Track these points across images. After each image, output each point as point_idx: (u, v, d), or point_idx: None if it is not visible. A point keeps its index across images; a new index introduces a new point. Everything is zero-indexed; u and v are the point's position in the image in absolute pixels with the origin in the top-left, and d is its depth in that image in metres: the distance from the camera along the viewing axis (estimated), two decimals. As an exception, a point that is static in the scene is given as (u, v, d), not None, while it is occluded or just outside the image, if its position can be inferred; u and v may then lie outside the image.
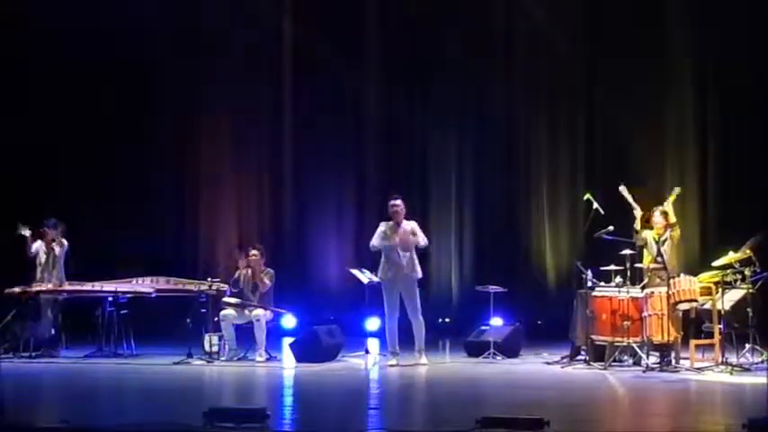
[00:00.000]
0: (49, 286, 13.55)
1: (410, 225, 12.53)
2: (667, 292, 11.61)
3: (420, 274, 12.56)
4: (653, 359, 11.71)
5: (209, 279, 13.51)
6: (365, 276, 13.36)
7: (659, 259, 11.88)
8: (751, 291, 11.68)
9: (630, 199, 12.25)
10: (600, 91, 16.23)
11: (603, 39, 16.06)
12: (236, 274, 13.33)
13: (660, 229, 12.17)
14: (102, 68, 16.32)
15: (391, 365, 12.33)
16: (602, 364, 11.79)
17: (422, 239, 12.46)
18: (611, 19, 15.95)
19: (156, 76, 16.69)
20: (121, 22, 16.08)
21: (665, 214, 12.18)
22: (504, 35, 16.68)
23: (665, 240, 12.08)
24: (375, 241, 12.48)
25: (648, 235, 12.18)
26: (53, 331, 13.50)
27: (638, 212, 12.23)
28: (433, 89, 16.82)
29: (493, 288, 13.28)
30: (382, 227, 12.53)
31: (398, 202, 12.50)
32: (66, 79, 16.27)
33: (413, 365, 12.29)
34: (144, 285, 13.49)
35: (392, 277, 12.41)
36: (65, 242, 13.71)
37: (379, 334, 14.70)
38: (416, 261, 12.48)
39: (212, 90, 16.92)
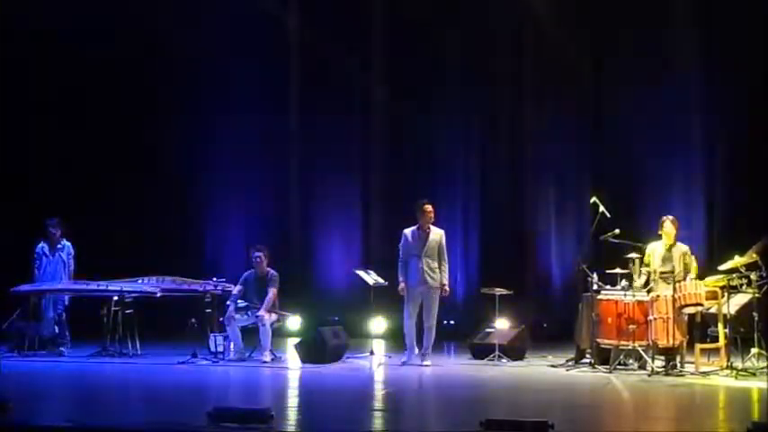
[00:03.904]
0: (55, 285, 13.57)
1: (439, 233, 12.63)
2: (673, 296, 11.61)
3: (442, 282, 12.56)
4: (658, 363, 11.68)
5: (215, 279, 13.51)
6: (371, 278, 13.37)
7: (667, 266, 11.97)
8: (757, 295, 11.64)
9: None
10: (606, 91, 16.21)
11: (609, 38, 16.04)
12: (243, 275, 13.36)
13: (670, 237, 12.19)
14: (103, 68, 16.33)
15: (403, 363, 12.53)
16: (608, 367, 11.78)
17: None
18: (618, 17, 15.91)
19: (158, 76, 16.69)
20: (123, 20, 16.11)
21: (675, 224, 12.23)
22: (511, 35, 16.66)
23: (679, 256, 12.12)
24: (402, 252, 12.63)
25: (656, 246, 12.22)
26: (56, 330, 13.52)
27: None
28: (439, 90, 16.81)
29: (498, 290, 13.26)
30: (407, 233, 12.62)
31: (431, 206, 12.67)
32: (65, 79, 16.29)
33: (417, 366, 12.34)
34: (149, 285, 13.48)
35: (415, 284, 12.48)
36: (68, 244, 13.75)
37: (385, 335, 14.74)
38: (441, 268, 12.52)
39: (217, 90, 16.90)
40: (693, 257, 12.22)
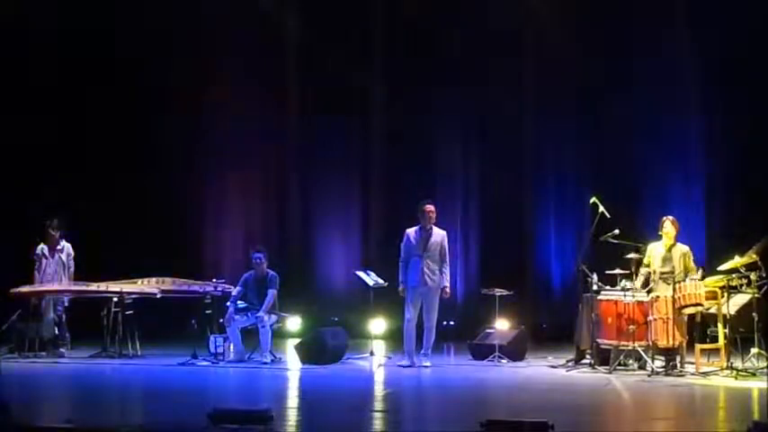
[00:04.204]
0: (55, 286, 13.57)
1: (441, 234, 12.56)
2: (673, 297, 11.61)
3: (443, 284, 12.50)
4: (658, 363, 11.69)
5: (215, 280, 13.50)
6: (370, 279, 13.36)
7: (667, 267, 11.99)
8: (756, 295, 11.65)
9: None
10: (607, 92, 16.19)
11: (609, 38, 16.04)
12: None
13: (670, 237, 12.19)
14: (103, 68, 16.33)
15: (401, 365, 12.46)
16: (607, 367, 11.78)
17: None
18: (618, 17, 15.90)
19: (159, 76, 16.66)
20: (123, 20, 16.10)
21: (675, 224, 12.23)
22: (511, 35, 16.65)
23: (680, 256, 12.13)
24: (403, 252, 12.55)
25: (656, 246, 12.23)
26: (56, 331, 13.52)
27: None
28: (439, 90, 16.80)
29: (498, 291, 13.26)
30: (410, 233, 12.55)
31: (432, 207, 12.59)
32: (65, 78, 16.29)
33: (417, 367, 12.33)
34: (149, 286, 13.48)
35: (415, 284, 12.42)
36: (68, 245, 13.75)
37: (385, 336, 14.72)
38: (442, 270, 12.46)
39: (217, 90, 16.88)
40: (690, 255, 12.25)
